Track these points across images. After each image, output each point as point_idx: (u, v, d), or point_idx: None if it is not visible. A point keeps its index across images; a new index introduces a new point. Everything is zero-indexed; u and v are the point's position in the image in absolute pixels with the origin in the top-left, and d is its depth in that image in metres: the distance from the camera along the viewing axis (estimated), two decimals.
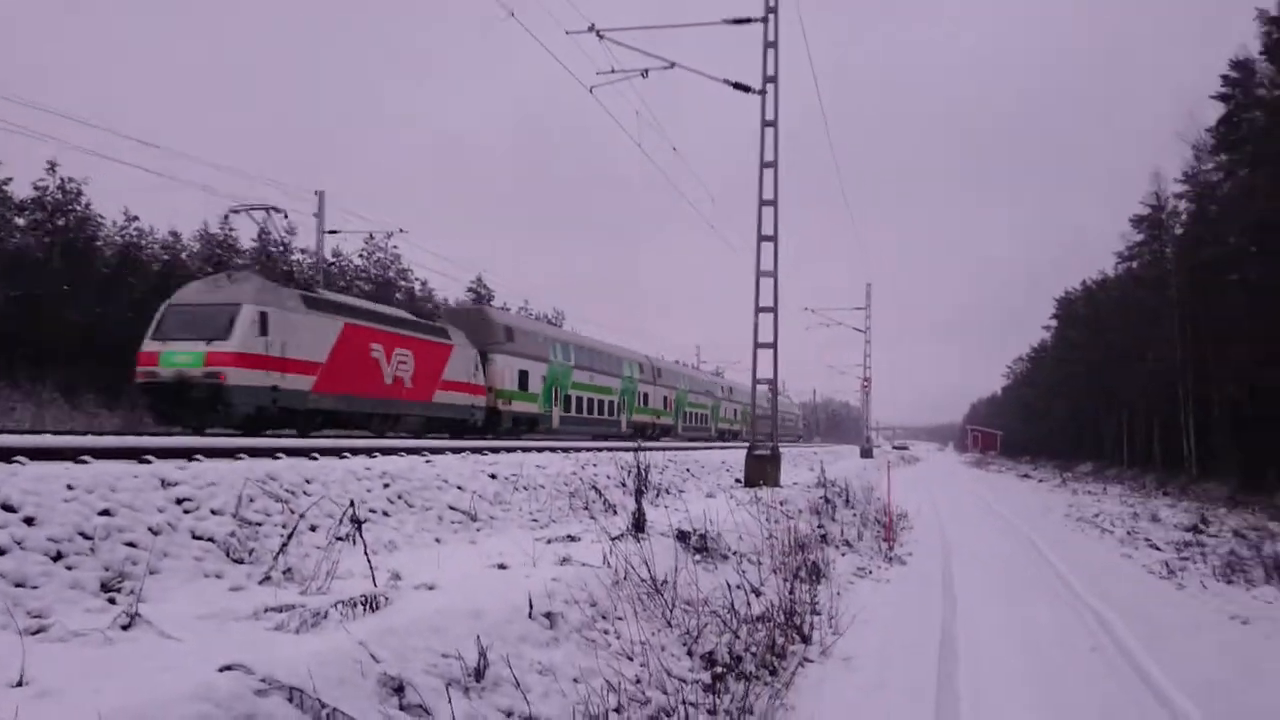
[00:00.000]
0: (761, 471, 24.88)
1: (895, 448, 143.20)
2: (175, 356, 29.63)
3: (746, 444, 75.53)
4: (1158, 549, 22.55)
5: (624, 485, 18.47)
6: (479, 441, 20.71)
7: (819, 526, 19.32)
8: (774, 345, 26.33)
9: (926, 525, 26.25)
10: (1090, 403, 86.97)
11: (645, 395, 64.48)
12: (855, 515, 23.62)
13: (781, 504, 19.47)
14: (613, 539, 12.83)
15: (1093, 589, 16.92)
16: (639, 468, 15.50)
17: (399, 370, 37.31)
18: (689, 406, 74.86)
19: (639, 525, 13.73)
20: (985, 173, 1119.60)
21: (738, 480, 26.30)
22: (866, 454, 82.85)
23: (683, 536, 13.78)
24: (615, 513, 16.16)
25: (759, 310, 26.23)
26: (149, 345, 30.13)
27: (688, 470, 25.15)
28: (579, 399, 54.04)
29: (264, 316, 30.52)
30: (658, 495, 19.07)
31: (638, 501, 14.01)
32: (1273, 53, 46.83)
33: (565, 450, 23.07)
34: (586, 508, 16.43)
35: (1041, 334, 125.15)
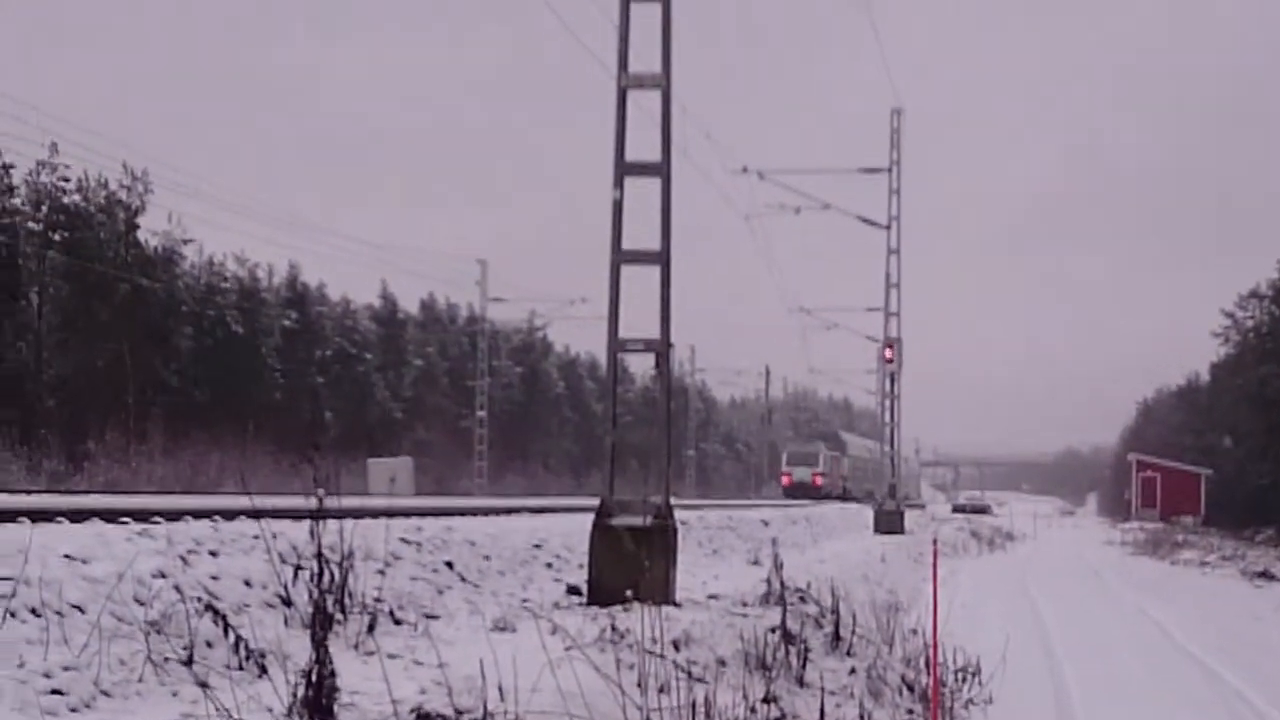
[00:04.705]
0: (628, 569, 13.26)
1: (960, 509, 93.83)
2: (798, 473, 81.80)
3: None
4: None
5: (287, 603, 10.03)
6: None
7: (767, 700, 10.05)
8: (663, 258, 13.95)
9: (1025, 697, 14.30)
10: None
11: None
12: (856, 672, 12.66)
13: (677, 646, 10.44)
14: None
15: None
16: (322, 560, 8.00)
17: (832, 470, 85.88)
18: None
19: (321, 701, 6.75)
20: None
21: (572, 589, 14.83)
22: (890, 524, 44.43)
23: None
24: (263, 671, 8.42)
25: (624, 171, 13.85)
26: (785, 468, 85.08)
27: (449, 566, 14.08)
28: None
29: (824, 456, 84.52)
30: (372, 627, 10.22)
31: (318, 644, 6.96)
32: None
33: (146, 518, 12.38)
34: (189, 661, 8.43)
35: None
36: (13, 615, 8.15)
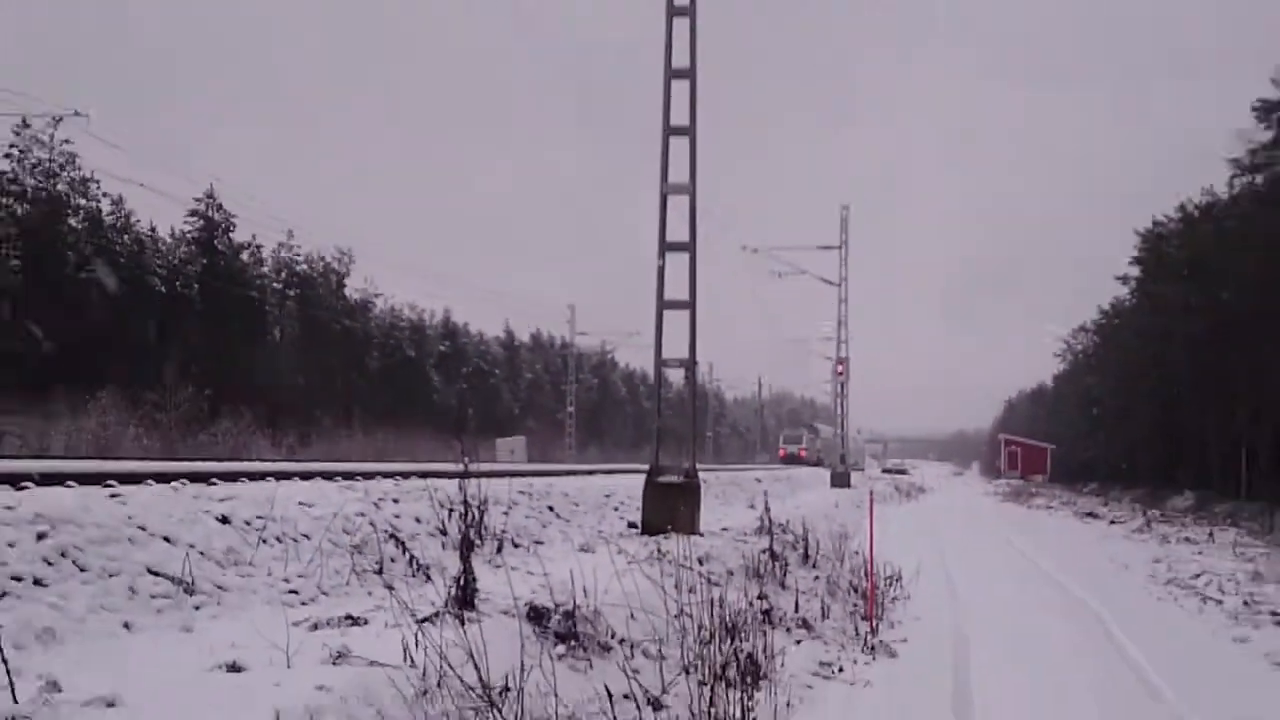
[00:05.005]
0: (669, 511, 13.24)
1: (887, 471, 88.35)
2: (790, 448, 76.19)
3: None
4: None
5: (444, 533, 9.96)
6: (207, 464, 12.72)
7: (760, 597, 10.11)
8: (690, 305, 13.72)
9: (932, 594, 13.88)
10: (1192, 399, 43.46)
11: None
12: (819, 579, 12.54)
13: (701, 561, 10.53)
14: (421, 621, 6.26)
15: (1193, 695, 8.48)
16: (468, 505, 7.85)
17: (811, 446, 76.75)
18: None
19: (466, 598, 6.91)
20: (1040, 49, 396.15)
21: (632, 525, 14.34)
22: (841, 481, 43.34)
23: (538, 615, 6.92)
24: (428, 578, 8.41)
25: (665, 249, 13.63)
26: (782, 445, 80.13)
27: (551, 509, 13.79)
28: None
29: (806, 437, 78.48)
30: (499, 549, 10.34)
31: (465, 560, 7.10)
32: None
33: (350, 477, 12.23)
34: (380, 571, 8.59)
35: (1117, 289, 60.78)
36: (264, 542, 8.21)
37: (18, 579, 6.01)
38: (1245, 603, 13.87)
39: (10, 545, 6.13)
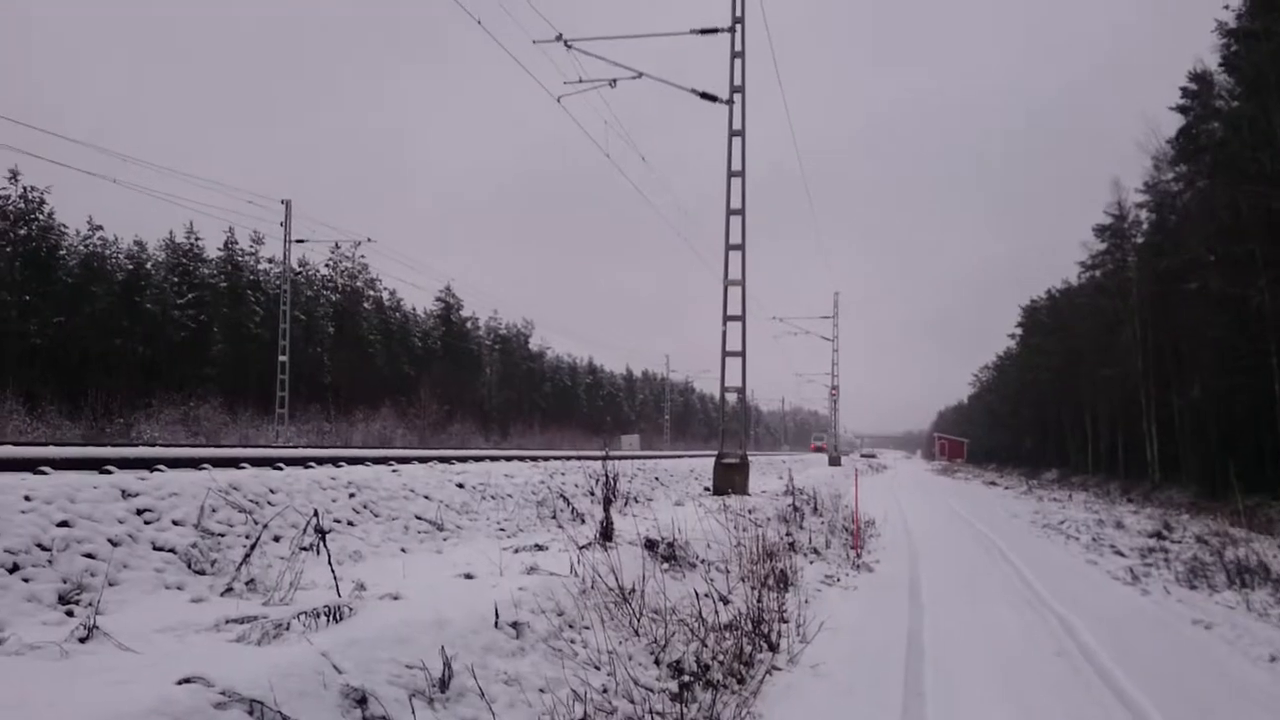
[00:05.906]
0: (730, 480, 12.91)
1: (863, 456, 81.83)
2: (815, 443, 66.89)
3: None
4: (1122, 555, 11.30)
5: (592, 494, 9.66)
6: (447, 451, 12.87)
7: (787, 534, 9.85)
8: (742, 354, 13.19)
9: (894, 532, 13.42)
10: (1055, 409, 43.62)
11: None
12: (823, 523, 12.10)
13: (750, 512, 10.11)
14: (580, 548, 6.26)
15: (1058, 594, 8.31)
16: (607, 476, 7.77)
17: (826, 442, 52.55)
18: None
19: (607, 534, 6.76)
20: (958, 181, 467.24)
21: (706, 489, 13.79)
22: (835, 462, 43.54)
23: (651, 545, 6.77)
24: (583, 521, 8.32)
25: (727, 319, 13.10)
26: (812, 441, 71.67)
27: (656, 479, 13.63)
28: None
29: (825, 437, 56.57)
30: (626, 504, 9.81)
31: (605, 510, 6.98)
32: (1230, 65, 23.21)
33: (534, 459, 12.45)
34: (554, 517, 8.48)
35: (1008, 342, 63.10)
36: (484, 498, 8.22)
37: (339, 521, 6.22)
38: (1094, 539, 13.30)
39: (334, 501, 6.37)
